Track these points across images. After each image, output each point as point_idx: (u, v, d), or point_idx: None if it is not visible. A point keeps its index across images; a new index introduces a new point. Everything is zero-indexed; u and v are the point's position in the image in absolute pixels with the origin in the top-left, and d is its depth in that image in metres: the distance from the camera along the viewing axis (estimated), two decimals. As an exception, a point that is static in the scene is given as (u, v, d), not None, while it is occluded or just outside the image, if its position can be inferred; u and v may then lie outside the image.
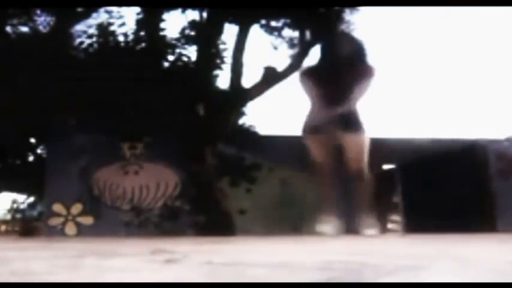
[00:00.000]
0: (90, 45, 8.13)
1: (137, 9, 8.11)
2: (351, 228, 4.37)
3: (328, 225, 4.17)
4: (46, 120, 8.29)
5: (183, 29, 8.35)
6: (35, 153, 10.85)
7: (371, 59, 4.26)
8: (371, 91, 4.23)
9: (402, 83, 34.71)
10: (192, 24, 8.37)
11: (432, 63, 36.66)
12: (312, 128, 4.24)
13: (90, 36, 8.18)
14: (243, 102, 8.81)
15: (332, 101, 4.13)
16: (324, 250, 2.38)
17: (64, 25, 8.18)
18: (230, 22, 8.47)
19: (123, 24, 8.20)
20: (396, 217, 12.41)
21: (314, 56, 4.31)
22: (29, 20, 8.25)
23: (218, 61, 8.46)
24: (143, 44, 8.16)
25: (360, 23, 8.88)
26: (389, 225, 12.44)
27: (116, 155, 8.57)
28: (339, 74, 4.17)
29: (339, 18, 8.71)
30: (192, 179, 8.23)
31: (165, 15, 8.30)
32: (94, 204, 8.34)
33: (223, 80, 8.88)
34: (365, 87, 4.17)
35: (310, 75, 4.30)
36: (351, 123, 4.15)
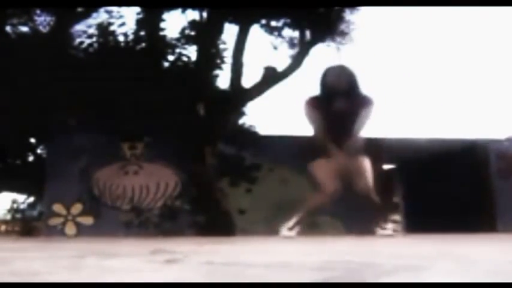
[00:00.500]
0: (90, 45, 8.13)
1: (137, 9, 8.12)
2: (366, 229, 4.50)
3: (292, 230, 4.31)
4: (46, 120, 8.28)
5: (183, 29, 8.36)
6: (35, 153, 10.83)
7: (365, 89, 4.40)
8: (371, 118, 4.39)
9: (402, 83, 34.72)
10: (192, 24, 8.37)
11: (432, 63, 36.68)
12: (316, 152, 4.35)
13: (90, 36, 8.18)
14: (243, 102, 8.81)
15: (336, 130, 4.26)
16: (324, 250, 2.38)
17: (64, 25, 8.18)
18: (230, 22, 8.47)
19: (123, 24, 8.21)
20: (396, 217, 12.40)
21: (314, 87, 4.44)
22: (29, 20, 8.25)
23: (218, 61, 8.46)
24: (143, 44, 8.16)
25: (360, 23, 8.90)
26: (390, 225, 12.42)
27: (116, 155, 8.56)
28: (340, 104, 4.27)
29: (339, 18, 8.72)
30: (192, 179, 8.23)
31: (165, 15, 8.31)
32: (94, 204, 8.34)
33: (223, 80, 8.90)
34: (365, 116, 4.35)
35: (314, 104, 4.40)
36: (355, 150, 4.31)
